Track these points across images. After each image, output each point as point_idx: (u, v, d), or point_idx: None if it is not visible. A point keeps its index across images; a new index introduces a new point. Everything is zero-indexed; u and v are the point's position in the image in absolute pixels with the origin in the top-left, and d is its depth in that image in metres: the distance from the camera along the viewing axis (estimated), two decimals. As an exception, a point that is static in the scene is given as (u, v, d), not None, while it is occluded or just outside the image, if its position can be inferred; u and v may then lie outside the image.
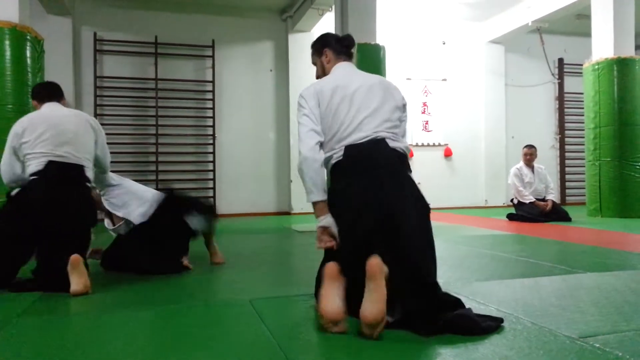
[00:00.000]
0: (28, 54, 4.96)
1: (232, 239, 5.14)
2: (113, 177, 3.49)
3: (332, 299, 1.89)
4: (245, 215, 8.51)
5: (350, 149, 2.19)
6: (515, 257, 3.74)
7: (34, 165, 2.85)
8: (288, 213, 8.81)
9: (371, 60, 6.01)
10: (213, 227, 3.58)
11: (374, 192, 2.08)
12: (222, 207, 8.42)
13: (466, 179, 9.87)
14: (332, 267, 1.98)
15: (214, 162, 8.48)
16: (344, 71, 2.43)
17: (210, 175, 8.49)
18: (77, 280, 2.60)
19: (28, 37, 4.96)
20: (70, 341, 1.90)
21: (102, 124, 8.23)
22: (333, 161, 2.24)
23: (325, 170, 2.25)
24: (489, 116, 9.96)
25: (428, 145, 9.67)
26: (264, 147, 8.86)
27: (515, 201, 6.87)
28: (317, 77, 2.55)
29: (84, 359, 1.70)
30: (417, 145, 9.58)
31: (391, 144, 2.21)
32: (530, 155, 6.88)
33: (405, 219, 2.05)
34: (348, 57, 2.52)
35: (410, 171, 2.26)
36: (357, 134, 2.21)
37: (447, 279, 2.94)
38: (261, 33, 8.92)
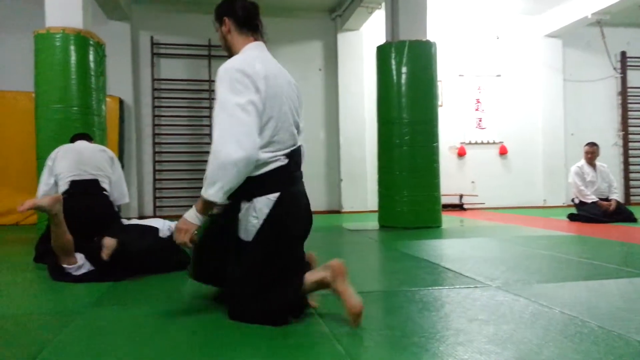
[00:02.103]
0: (91, 58, 5.19)
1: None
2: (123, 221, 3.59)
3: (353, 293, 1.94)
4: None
5: (294, 155, 2.07)
6: (577, 258, 3.57)
7: (62, 185, 3.57)
8: (338, 211, 8.81)
9: (422, 57, 5.90)
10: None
11: (307, 202, 2.17)
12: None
13: (522, 177, 9.53)
14: (339, 264, 1.98)
15: (264, 161, 8.59)
16: (263, 55, 2.10)
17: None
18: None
19: (91, 42, 5.20)
20: (138, 333, 1.96)
21: (159, 124, 8.56)
22: (274, 165, 2.02)
23: None
24: (546, 113, 9.58)
25: (482, 143, 9.41)
26: (314, 146, 8.89)
27: (577, 201, 6.57)
28: (227, 52, 2.22)
29: (153, 351, 1.75)
30: (470, 143, 9.34)
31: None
32: (592, 153, 6.57)
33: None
34: (254, 33, 2.18)
35: None
36: (296, 138, 2.12)
37: (506, 279, 2.84)
38: (310, 33, 8.97)
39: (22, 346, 1.80)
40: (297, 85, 2.21)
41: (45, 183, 3.67)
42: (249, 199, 1.99)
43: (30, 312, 2.32)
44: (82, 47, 5.10)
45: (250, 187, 1.97)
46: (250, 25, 2.16)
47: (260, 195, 1.98)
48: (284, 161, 2.02)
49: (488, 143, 9.45)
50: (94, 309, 2.33)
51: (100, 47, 5.38)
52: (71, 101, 5.01)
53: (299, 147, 2.12)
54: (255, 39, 2.17)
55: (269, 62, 2.08)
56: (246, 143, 1.88)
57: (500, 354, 1.65)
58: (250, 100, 1.92)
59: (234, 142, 1.87)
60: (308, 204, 2.18)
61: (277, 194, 1.99)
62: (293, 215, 2.04)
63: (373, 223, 6.31)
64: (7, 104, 6.83)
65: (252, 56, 2.05)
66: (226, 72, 1.96)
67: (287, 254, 2.03)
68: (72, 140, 4.00)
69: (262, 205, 1.98)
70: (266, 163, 1.99)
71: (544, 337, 1.80)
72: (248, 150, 1.88)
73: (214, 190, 1.88)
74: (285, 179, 2.03)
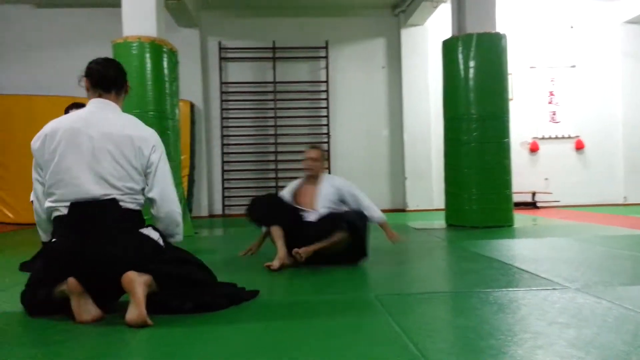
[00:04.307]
0: (165, 64, 5.44)
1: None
2: None
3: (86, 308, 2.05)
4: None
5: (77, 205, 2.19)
6: (667, 260, 3.33)
7: None
8: (403, 210, 8.71)
9: (491, 50, 5.71)
10: None
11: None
12: (337, 204, 8.57)
13: (601, 173, 8.98)
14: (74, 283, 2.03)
15: (329, 159, 8.66)
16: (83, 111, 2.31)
17: (326, 173, 8.66)
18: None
19: (164, 50, 5.45)
20: (204, 330, 2.05)
21: (227, 126, 8.84)
22: (54, 214, 2.25)
23: None
24: (627, 104, 8.97)
25: (556, 137, 8.97)
26: (377, 144, 8.85)
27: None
28: None
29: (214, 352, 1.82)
30: (543, 138, 8.93)
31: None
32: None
33: None
34: (100, 88, 2.30)
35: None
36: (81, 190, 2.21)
37: (586, 281, 2.70)
38: (373, 30, 8.92)
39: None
40: (127, 135, 2.22)
41: None
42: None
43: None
44: (157, 55, 5.36)
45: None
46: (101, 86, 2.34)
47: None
48: (62, 211, 2.16)
49: (563, 137, 8.99)
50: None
51: (173, 54, 5.64)
52: (147, 106, 5.27)
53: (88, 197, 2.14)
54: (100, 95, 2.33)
55: (74, 118, 2.27)
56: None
57: (583, 359, 1.57)
58: (34, 177, 2.28)
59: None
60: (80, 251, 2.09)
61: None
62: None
63: (440, 222, 6.19)
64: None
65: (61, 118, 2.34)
66: None
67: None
68: None
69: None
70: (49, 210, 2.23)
71: (632, 342, 1.70)
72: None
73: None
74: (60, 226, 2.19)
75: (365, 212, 3.53)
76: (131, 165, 2.19)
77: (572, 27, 9.02)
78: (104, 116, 2.25)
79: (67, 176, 2.14)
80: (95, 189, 2.13)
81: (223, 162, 8.52)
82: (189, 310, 2.16)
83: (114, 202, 2.14)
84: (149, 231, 2.24)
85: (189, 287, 2.22)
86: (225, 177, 8.53)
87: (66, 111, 3.43)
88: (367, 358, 1.64)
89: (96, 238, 2.09)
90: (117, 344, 1.84)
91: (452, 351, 1.69)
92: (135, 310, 1.97)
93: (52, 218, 2.22)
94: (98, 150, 2.16)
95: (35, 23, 8.30)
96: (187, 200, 6.84)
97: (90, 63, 2.37)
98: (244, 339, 1.88)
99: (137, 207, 2.25)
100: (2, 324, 2.18)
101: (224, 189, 8.52)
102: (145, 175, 2.25)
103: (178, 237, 2.40)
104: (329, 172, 8.65)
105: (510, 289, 2.59)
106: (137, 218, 2.24)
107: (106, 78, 2.33)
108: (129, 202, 2.19)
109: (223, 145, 8.55)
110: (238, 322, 2.12)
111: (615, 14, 9.03)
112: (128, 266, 2.04)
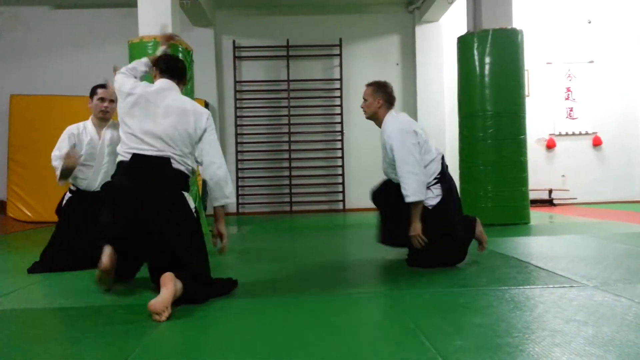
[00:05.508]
0: (180, 63, 5.48)
1: (365, 233, 5.20)
2: None
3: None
4: (374, 210, 8.54)
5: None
6: (688, 257, 3.27)
7: None
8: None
9: (507, 46, 5.64)
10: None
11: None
12: (351, 201, 8.57)
13: (619, 170, 8.83)
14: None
15: (342, 157, 8.65)
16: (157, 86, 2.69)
17: (339, 171, 8.67)
18: None
19: (179, 49, 5.49)
20: (221, 326, 2.07)
21: (241, 124, 8.89)
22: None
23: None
24: (646, 99, 8.81)
25: (573, 134, 8.84)
26: (392, 141, 8.80)
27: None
28: None
29: (239, 345, 1.84)
30: (559, 134, 8.81)
31: None
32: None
33: None
34: (168, 75, 2.71)
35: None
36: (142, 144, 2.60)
37: (604, 279, 2.67)
38: (387, 27, 8.88)
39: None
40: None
41: None
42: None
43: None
44: (173, 54, 5.39)
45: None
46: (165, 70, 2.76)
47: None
48: (125, 157, 2.54)
49: (580, 134, 8.86)
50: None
51: (188, 53, 5.67)
52: None
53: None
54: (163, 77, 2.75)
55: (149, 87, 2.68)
56: None
57: (602, 357, 1.55)
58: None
59: None
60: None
61: None
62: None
63: (455, 219, 6.14)
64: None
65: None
66: None
67: None
68: None
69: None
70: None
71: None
72: None
73: None
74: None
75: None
76: (187, 132, 2.54)
77: (589, 21, 8.88)
78: (168, 92, 2.64)
79: (135, 131, 2.52)
80: (153, 146, 2.49)
81: (237, 160, 8.56)
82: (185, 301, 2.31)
83: (166, 159, 2.48)
84: (189, 198, 2.54)
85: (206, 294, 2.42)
86: (240, 175, 8.57)
87: (93, 91, 3.61)
88: (383, 355, 1.64)
89: (145, 183, 2.43)
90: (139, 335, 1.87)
91: (469, 348, 1.68)
92: (160, 298, 2.11)
93: (116, 162, 2.60)
94: (162, 116, 2.54)
95: (53, 24, 8.41)
96: (202, 199, 6.89)
97: (160, 57, 2.88)
98: (259, 332, 1.89)
99: (186, 171, 2.57)
100: (26, 319, 2.23)
101: (238, 187, 8.56)
102: (197, 142, 2.59)
103: (226, 200, 2.64)
104: (343, 170, 8.65)
105: (527, 287, 2.57)
106: (183, 180, 2.56)
107: (174, 68, 2.77)
108: (180, 164, 2.52)
109: (237, 143, 8.59)
110: (252, 314, 2.13)
111: (634, 9, 8.86)
112: (164, 213, 2.38)
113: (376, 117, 3.33)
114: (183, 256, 2.37)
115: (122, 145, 2.57)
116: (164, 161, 2.47)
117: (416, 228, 3.04)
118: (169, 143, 2.49)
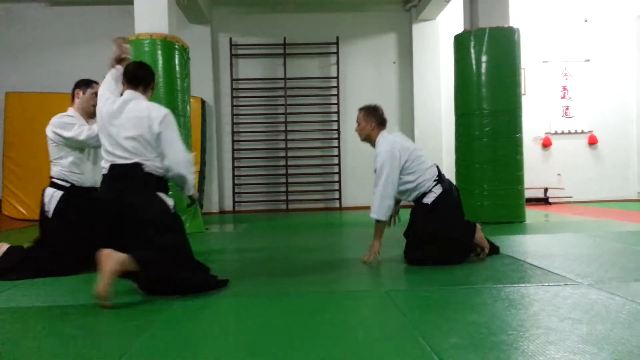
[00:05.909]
0: (176, 61, 5.47)
1: (361, 232, 5.21)
2: None
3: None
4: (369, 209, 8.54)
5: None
6: (682, 256, 3.28)
7: None
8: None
9: (504, 45, 5.65)
10: None
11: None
12: (347, 200, 8.58)
13: (615, 169, 8.87)
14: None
15: (339, 156, 8.65)
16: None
17: (336, 169, 8.68)
18: None
19: (176, 46, 5.48)
20: (218, 325, 2.07)
21: (237, 122, 8.87)
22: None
23: None
24: (642, 99, 8.84)
25: (569, 132, 8.87)
26: (388, 140, 8.80)
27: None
28: None
29: (239, 342, 1.84)
30: (555, 133, 8.84)
31: None
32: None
33: None
34: (131, 85, 2.85)
35: None
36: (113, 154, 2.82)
37: (599, 277, 2.68)
38: (384, 26, 8.87)
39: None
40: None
41: None
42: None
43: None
44: (168, 51, 5.38)
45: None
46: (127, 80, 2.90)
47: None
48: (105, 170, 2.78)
49: (576, 132, 8.89)
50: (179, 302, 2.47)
51: (184, 51, 5.66)
52: (159, 102, 5.18)
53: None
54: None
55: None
56: None
57: (596, 355, 1.56)
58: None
59: None
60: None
61: None
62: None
63: (451, 217, 6.15)
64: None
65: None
66: None
67: None
68: None
69: None
70: None
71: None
72: None
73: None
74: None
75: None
76: (145, 139, 2.69)
77: (586, 20, 8.90)
78: (129, 103, 2.77)
79: (107, 147, 2.76)
80: (122, 157, 2.70)
81: (234, 158, 8.55)
82: (167, 293, 2.50)
83: (137, 165, 2.68)
84: (165, 197, 2.71)
85: (167, 272, 2.54)
86: (236, 173, 8.56)
87: (76, 86, 3.67)
88: (378, 353, 1.65)
89: (121, 189, 2.65)
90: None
91: (463, 346, 1.68)
92: (98, 284, 2.28)
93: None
94: (124, 128, 2.71)
95: (48, 21, 8.38)
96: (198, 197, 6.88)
97: (127, 66, 3.00)
98: (255, 330, 1.89)
99: (157, 174, 2.72)
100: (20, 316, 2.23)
101: (234, 185, 8.55)
102: (158, 144, 2.72)
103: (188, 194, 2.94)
104: (339, 168, 8.64)
105: (522, 285, 2.58)
106: (155, 181, 2.72)
107: (135, 77, 2.90)
108: (150, 168, 2.69)
109: (234, 141, 8.57)
110: (247, 311, 2.13)
111: (630, 7, 8.89)
112: (137, 213, 2.57)
113: (370, 139, 3.51)
114: (149, 238, 2.53)
115: (103, 159, 2.82)
116: (135, 167, 2.68)
117: (375, 247, 3.39)
118: (134, 152, 2.69)
